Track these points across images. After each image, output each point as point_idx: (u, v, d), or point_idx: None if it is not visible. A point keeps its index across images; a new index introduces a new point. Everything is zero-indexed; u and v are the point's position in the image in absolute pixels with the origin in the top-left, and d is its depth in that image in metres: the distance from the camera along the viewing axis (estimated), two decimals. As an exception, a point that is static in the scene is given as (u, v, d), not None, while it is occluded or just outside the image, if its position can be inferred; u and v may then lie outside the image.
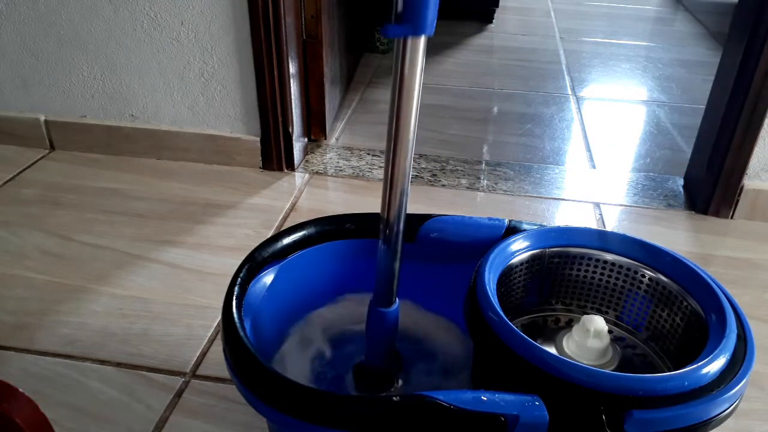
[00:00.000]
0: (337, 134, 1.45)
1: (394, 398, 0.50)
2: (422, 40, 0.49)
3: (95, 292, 0.93)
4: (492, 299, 0.57)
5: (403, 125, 0.52)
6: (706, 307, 0.59)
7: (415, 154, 1.38)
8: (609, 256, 0.67)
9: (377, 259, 0.59)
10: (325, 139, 1.40)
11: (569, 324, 0.70)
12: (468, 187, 1.25)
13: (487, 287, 0.58)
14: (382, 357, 0.64)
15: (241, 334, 0.57)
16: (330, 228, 0.72)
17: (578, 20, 2.56)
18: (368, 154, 1.36)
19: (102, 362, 0.81)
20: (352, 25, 1.67)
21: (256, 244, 0.68)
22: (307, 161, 1.32)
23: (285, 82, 1.19)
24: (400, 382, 0.67)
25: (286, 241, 0.69)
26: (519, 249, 0.66)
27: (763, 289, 1.00)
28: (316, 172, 1.28)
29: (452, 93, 1.75)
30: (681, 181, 1.31)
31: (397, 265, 0.58)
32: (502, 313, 0.55)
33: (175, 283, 0.95)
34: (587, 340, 0.60)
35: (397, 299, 0.62)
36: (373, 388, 0.66)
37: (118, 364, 0.81)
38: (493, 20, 2.42)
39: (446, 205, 1.19)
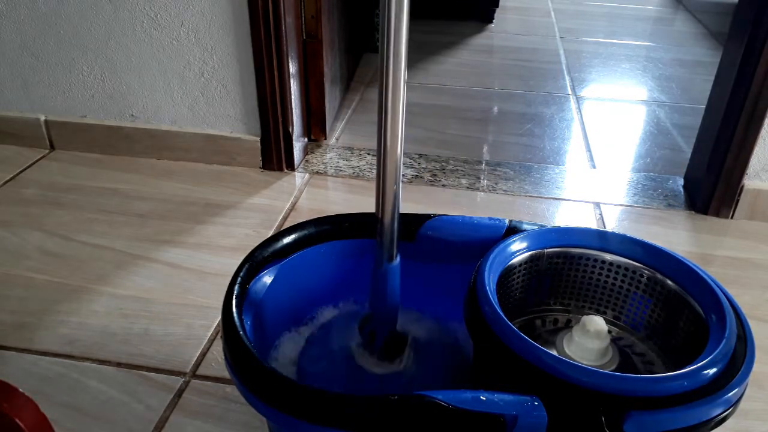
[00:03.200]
0: (337, 134, 1.45)
1: (393, 398, 0.50)
2: None
3: (95, 292, 0.93)
4: (492, 299, 0.57)
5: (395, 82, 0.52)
6: (706, 308, 0.59)
7: (415, 153, 1.38)
8: (609, 257, 0.67)
9: (375, 217, 0.58)
10: (325, 139, 1.40)
11: (569, 324, 0.70)
12: (468, 187, 1.25)
13: (487, 287, 0.58)
14: (388, 317, 0.64)
15: (241, 334, 0.57)
16: (330, 228, 0.72)
17: (578, 20, 2.56)
18: (368, 154, 1.36)
19: (102, 362, 0.81)
20: (352, 25, 1.67)
21: (256, 244, 0.68)
22: (307, 161, 1.32)
23: (285, 82, 1.19)
24: (408, 354, 0.67)
25: (286, 241, 0.69)
26: (519, 249, 0.66)
27: (763, 289, 1.00)
28: (316, 172, 1.28)
29: (452, 93, 1.75)
30: (681, 181, 1.31)
31: (396, 224, 0.58)
32: (502, 314, 0.55)
33: (175, 283, 0.95)
34: (587, 340, 0.60)
35: (398, 255, 0.62)
36: (380, 353, 0.66)
37: (118, 364, 0.81)
38: (493, 20, 2.42)
39: (446, 205, 1.19)
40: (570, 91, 1.78)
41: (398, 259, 0.62)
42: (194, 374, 0.80)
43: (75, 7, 1.19)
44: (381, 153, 0.55)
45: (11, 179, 1.23)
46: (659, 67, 2.02)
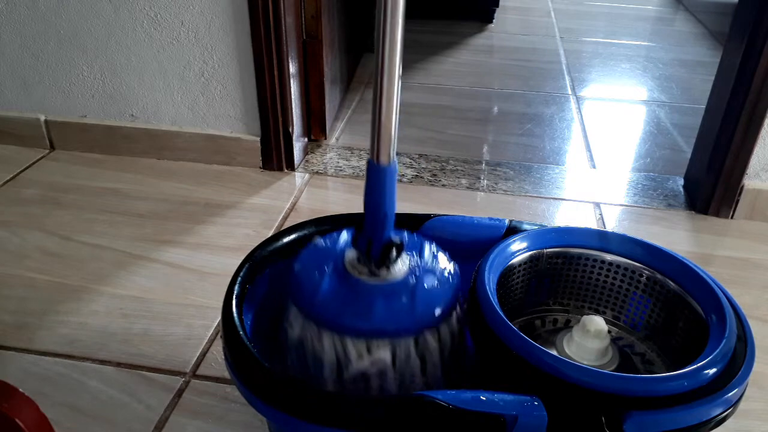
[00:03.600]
0: (337, 134, 1.45)
1: (393, 398, 0.50)
2: None
3: (95, 292, 0.93)
4: (492, 299, 0.57)
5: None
6: (706, 308, 0.59)
7: (415, 153, 1.38)
8: (609, 257, 0.67)
9: (372, 110, 0.57)
10: (325, 139, 1.40)
11: (569, 324, 0.70)
12: (468, 187, 1.25)
13: (487, 287, 0.58)
14: (384, 223, 0.61)
15: (241, 334, 0.57)
16: (330, 228, 0.72)
17: (578, 20, 2.56)
18: (368, 153, 1.36)
19: (102, 362, 0.81)
20: (352, 25, 1.67)
21: (256, 244, 0.68)
22: (307, 161, 1.32)
23: (285, 82, 1.19)
24: (407, 261, 0.63)
25: (286, 240, 0.69)
26: (519, 249, 0.66)
27: (763, 289, 1.00)
28: (316, 172, 1.28)
29: (452, 93, 1.75)
30: (681, 181, 1.31)
31: (395, 116, 0.57)
32: (502, 314, 0.55)
33: (175, 283, 0.95)
34: (587, 340, 0.60)
35: (395, 157, 0.60)
36: (378, 261, 0.61)
37: (118, 364, 0.81)
38: (493, 20, 2.42)
39: (446, 205, 1.19)
40: (570, 91, 1.78)
41: (396, 161, 0.60)
42: (194, 374, 0.80)
43: (75, 7, 1.19)
44: (380, 34, 0.53)
45: (11, 179, 1.23)
46: (659, 67, 2.02)
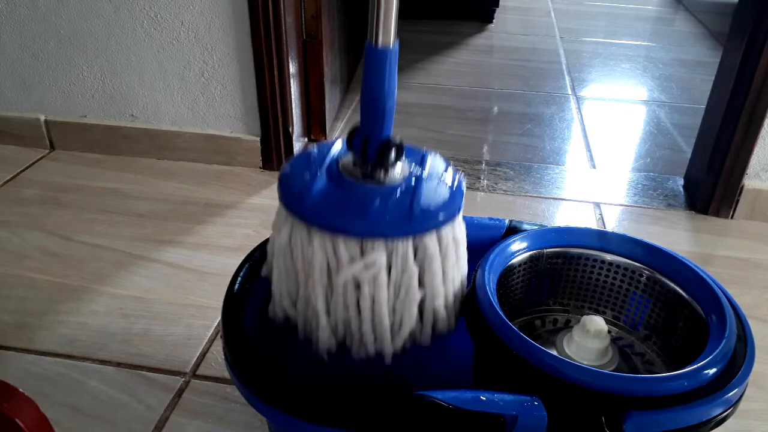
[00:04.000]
0: (337, 134, 1.45)
1: (393, 398, 0.50)
2: None
3: (95, 292, 0.93)
4: (492, 299, 0.57)
5: None
6: (706, 308, 0.59)
7: (415, 154, 1.38)
8: (609, 257, 0.67)
9: None
10: (325, 138, 1.40)
11: (569, 324, 0.70)
12: (468, 187, 1.25)
13: (487, 287, 0.58)
14: (383, 116, 0.54)
15: (241, 334, 0.57)
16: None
17: (578, 20, 2.56)
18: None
19: (102, 362, 0.81)
20: (352, 25, 1.67)
21: (256, 244, 0.68)
22: (307, 161, 1.32)
23: (285, 82, 1.19)
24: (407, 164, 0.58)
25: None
26: (519, 249, 0.66)
27: (763, 289, 1.00)
28: (316, 172, 1.28)
29: (452, 93, 1.75)
30: (681, 181, 1.31)
31: None
32: (502, 314, 0.55)
33: (175, 283, 0.95)
34: (587, 340, 0.60)
35: (397, 39, 0.53)
36: (376, 162, 0.56)
37: (118, 364, 0.81)
38: (493, 20, 2.42)
39: (446, 205, 1.19)
40: (570, 91, 1.78)
41: (397, 43, 0.53)
42: (194, 374, 0.80)
43: (75, 7, 1.19)
44: None
45: (11, 179, 1.23)
46: (659, 67, 2.02)
